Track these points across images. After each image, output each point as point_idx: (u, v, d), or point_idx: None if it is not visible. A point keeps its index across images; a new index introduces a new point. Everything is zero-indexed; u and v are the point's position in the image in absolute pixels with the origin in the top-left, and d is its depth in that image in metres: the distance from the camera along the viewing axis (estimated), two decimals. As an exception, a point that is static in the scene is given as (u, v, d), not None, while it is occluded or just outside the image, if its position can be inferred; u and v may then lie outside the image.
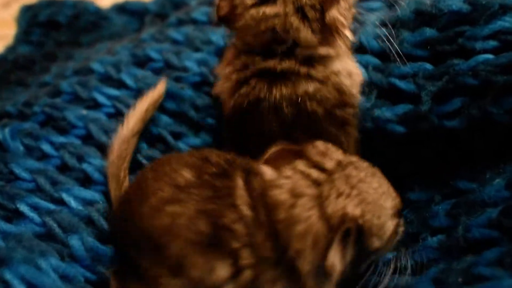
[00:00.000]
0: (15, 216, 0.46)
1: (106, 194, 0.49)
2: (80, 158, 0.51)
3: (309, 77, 0.46)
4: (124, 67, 0.60)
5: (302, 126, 0.47)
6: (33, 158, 0.51)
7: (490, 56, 0.46)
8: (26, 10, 0.87)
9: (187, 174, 0.42)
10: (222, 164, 0.43)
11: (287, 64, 0.46)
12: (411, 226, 0.47)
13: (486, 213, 0.40)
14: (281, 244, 0.38)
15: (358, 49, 0.53)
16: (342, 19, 0.46)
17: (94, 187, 0.50)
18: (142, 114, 0.53)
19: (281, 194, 0.40)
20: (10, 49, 0.82)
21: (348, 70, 0.49)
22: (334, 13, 0.45)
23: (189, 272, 0.38)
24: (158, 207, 0.40)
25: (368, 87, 0.52)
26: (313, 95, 0.46)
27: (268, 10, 0.45)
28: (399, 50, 0.51)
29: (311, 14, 0.45)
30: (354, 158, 0.44)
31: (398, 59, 0.51)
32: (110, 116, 0.56)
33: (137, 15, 0.86)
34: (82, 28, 0.82)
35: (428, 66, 0.49)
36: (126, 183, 0.49)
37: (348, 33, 0.47)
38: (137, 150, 0.53)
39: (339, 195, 0.40)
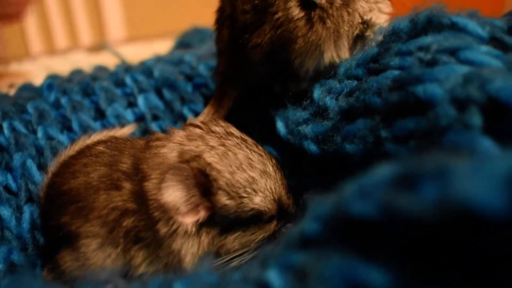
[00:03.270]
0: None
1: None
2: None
3: None
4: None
5: None
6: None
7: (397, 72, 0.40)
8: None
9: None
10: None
11: None
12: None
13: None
14: (139, 175, 0.41)
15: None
16: None
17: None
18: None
19: (158, 141, 0.43)
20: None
21: None
22: None
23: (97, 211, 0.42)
24: (75, 173, 0.45)
25: (310, 102, 0.49)
26: None
27: None
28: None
29: None
30: (250, 139, 0.45)
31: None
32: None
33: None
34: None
35: (354, 83, 0.44)
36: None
37: None
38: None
39: (205, 143, 0.42)
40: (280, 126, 0.50)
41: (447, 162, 0.22)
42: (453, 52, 0.37)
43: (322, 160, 0.45)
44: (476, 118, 0.30)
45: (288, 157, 0.50)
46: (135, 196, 0.40)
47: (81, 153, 0.46)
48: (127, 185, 0.41)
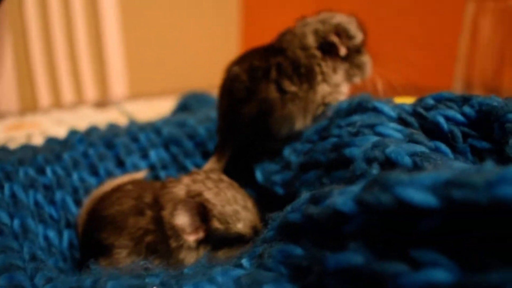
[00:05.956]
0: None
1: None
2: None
3: None
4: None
5: None
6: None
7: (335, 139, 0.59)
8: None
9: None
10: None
11: None
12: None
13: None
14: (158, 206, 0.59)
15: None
16: None
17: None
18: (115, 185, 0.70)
19: (171, 183, 0.61)
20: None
21: None
22: None
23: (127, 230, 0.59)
24: (111, 203, 0.63)
25: (280, 158, 0.68)
26: None
27: None
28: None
29: None
30: (236, 183, 0.63)
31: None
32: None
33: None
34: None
35: (310, 145, 0.63)
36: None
37: None
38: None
39: (204, 185, 0.60)
40: (259, 175, 0.68)
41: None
42: (371, 126, 0.56)
43: (286, 199, 0.63)
44: (376, 171, 0.49)
45: (263, 197, 0.68)
46: (155, 220, 0.58)
47: (115, 190, 0.64)
48: (149, 213, 0.58)
